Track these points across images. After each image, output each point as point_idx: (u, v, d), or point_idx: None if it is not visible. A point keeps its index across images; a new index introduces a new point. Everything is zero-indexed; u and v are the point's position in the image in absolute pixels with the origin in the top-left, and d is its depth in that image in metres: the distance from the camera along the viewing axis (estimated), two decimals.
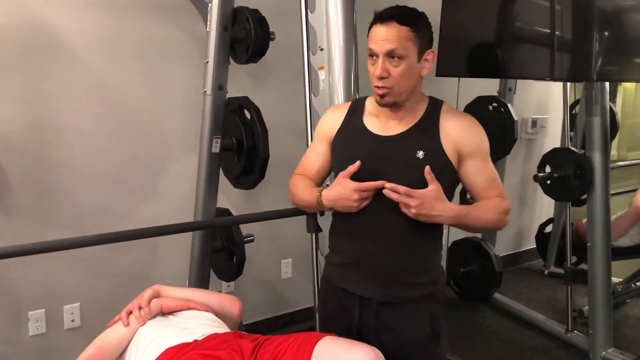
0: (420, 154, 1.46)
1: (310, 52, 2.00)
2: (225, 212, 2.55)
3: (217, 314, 1.63)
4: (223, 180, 2.52)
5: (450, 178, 1.51)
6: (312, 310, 3.29)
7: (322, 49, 1.94)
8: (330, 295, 1.65)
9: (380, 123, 1.54)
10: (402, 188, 1.40)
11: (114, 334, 1.57)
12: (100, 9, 2.47)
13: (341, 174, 1.47)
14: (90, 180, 2.53)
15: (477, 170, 1.50)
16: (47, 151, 2.43)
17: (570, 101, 3.72)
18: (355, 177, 1.48)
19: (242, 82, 2.69)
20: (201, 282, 2.54)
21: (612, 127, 3.10)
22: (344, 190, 1.46)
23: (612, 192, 2.99)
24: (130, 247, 2.60)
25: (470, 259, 3.65)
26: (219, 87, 2.35)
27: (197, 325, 1.54)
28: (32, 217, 2.41)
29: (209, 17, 2.28)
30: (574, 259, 3.43)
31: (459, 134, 1.49)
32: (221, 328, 1.55)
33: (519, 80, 3.55)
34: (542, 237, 4.14)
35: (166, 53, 2.66)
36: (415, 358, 1.57)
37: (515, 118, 3.41)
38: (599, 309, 2.96)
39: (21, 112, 2.35)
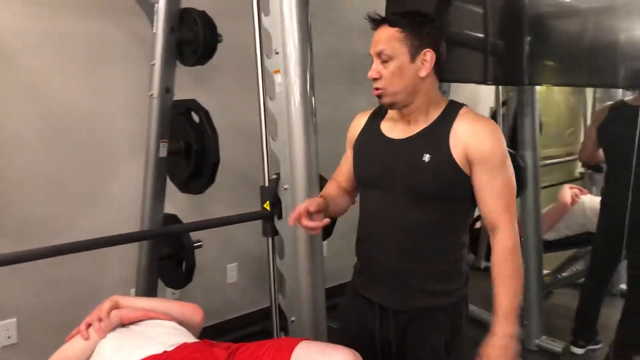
0: (427, 157, 1.42)
1: (265, 55, 1.98)
2: (173, 218, 2.48)
3: (179, 323, 1.59)
4: (168, 185, 2.45)
5: (462, 185, 1.44)
6: (258, 314, 3.30)
7: (277, 53, 1.93)
8: (353, 301, 1.62)
9: (395, 127, 1.52)
10: None
11: (72, 348, 1.49)
12: (39, 9, 2.34)
13: (311, 201, 1.46)
14: (29, 188, 2.39)
15: (485, 182, 1.41)
16: None
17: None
18: (365, 176, 1.54)
19: (187, 84, 2.62)
20: (148, 290, 2.46)
21: None
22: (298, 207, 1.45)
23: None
24: (71, 257, 2.46)
25: None
26: (166, 89, 2.29)
27: (162, 334, 1.50)
28: None
29: (155, 18, 2.22)
30: None
31: (470, 138, 1.41)
32: (188, 337, 1.52)
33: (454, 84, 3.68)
34: (472, 233, 4.32)
35: (109, 54, 2.56)
36: None
37: None
38: (532, 300, 3.14)
39: None
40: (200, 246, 2.46)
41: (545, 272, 3.70)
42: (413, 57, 1.43)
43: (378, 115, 1.60)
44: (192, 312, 1.69)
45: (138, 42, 2.60)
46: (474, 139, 1.41)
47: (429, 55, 1.43)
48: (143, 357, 1.38)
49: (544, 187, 3.35)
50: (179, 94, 2.37)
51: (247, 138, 2.99)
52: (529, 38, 2.51)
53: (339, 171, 1.70)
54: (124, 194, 2.64)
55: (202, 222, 2.27)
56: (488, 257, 4.21)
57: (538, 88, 3.27)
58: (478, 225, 4.26)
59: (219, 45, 2.32)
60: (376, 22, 1.47)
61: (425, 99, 1.47)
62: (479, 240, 4.29)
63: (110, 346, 1.46)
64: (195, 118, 2.33)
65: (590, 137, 2.98)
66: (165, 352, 1.40)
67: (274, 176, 2.01)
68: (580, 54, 2.45)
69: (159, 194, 2.39)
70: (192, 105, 2.33)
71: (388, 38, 1.43)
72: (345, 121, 4.19)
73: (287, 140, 1.94)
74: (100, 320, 1.51)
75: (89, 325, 1.51)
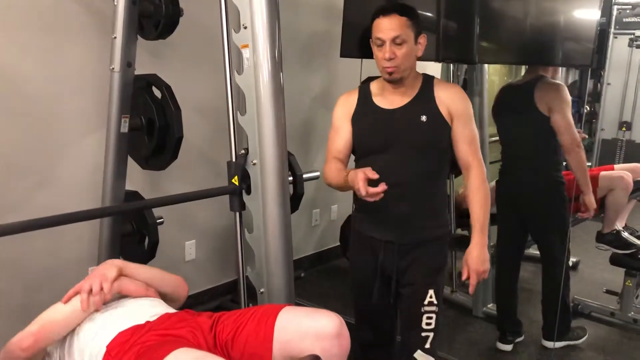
0: (424, 118, 1.82)
1: (232, 29, 1.98)
2: (135, 194, 2.45)
3: (167, 295, 1.60)
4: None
5: (448, 136, 1.86)
6: (216, 290, 3.32)
7: (245, 27, 1.93)
8: (360, 242, 2.00)
9: (386, 100, 1.89)
10: (473, 283, 1.84)
11: (62, 314, 1.44)
12: None
13: (364, 169, 1.66)
14: None
15: (460, 132, 1.85)
16: None
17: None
18: (372, 143, 1.87)
19: (145, 60, 2.57)
20: None
21: None
22: (355, 178, 1.66)
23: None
24: (26, 236, 2.39)
25: None
26: (128, 63, 2.24)
27: (143, 305, 1.51)
28: None
29: None
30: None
31: (450, 99, 1.85)
32: (169, 308, 1.54)
33: None
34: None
35: (62, 27, 2.46)
36: (423, 285, 1.91)
37: None
38: None
39: None
40: (161, 222, 2.45)
41: (491, 243, 3.91)
42: (415, 40, 1.81)
43: (366, 94, 1.92)
44: (181, 285, 1.71)
45: (92, 14, 2.52)
46: (453, 99, 1.85)
47: (423, 40, 1.84)
48: (126, 328, 1.39)
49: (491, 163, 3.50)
50: (139, 69, 2.33)
51: (206, 115, 2.98)
52: (478, 19, 2.63)
53: (335, 149, 1.96)
54: (83, 171, 2.58)
55: (169, 197, 2.26)
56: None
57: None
58: None
59: (180, 21, 2.29)
60: (387, 11, 1.78)
61: (413, 74, 1.86)
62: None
63: (99, 320, 1.45)
64: (157, 93, 2.30)
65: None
66: (147, 322, 1.42)
67: (242, 151, 2.03)
68: (523, 34, 2.60)
69: (120, 171, 2.36)
70: (153, 80, 2.30)
71: (401, 25, 1.76)
72: (298, 100, 4.26)
73: (255, 114, 1.96)
74: (101, 290, 1.47)
75: (89, 292, 1.46)
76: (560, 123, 2.61)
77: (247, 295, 2.18)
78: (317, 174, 2.38)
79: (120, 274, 1.55)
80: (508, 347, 2.95)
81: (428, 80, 1.89)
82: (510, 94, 2.87)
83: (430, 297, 1.90)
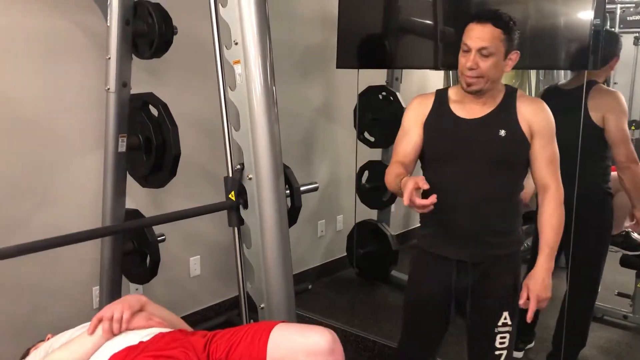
0: (502, 132, 1.73)
1: (224, 46, 1.99)
2: (135, 213, 2.46)
3: None
4: (127, 180, 2.43)
5: (527, 154, 1.77)
6: (222, 306, 3.31)
7: (236, 43, 1.94)
8: (426, 262, 1.92)
9: (464, 108, 1.80)
10: (532, 309, 1.73)
11: (82, 346, 1.42)
12: None
13: (417, 178, 1.59)
14: None
15: (540, 151, 1.75)
16: None
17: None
18: (443, 152, 1.80)
19: (143, 78, 2.59)
20: (113, 287, 2.44)
21: None
22: (405, 187, 1.58)
23: None
24: (28, 258, 2.40)
25: (368, 240, 3.82)
26: (123, 83, 2.25)
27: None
28: None
29: (109, 11, 2.18)
30: None
31: (532, 115, 1.75)
32: (162, 328, 1.53)
33: (404, 70, 3.78)
34: None
35: (59, 49, 2.49)
36: (498, 307, 1.83)
37: (404, 106, 3.63)
38: None
39: None
40: (163, 240, 2.45)
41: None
42: (505, 56, 1.71)
43: (442, 99, 1.85)
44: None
45: (88, 36, 2.55)
46: (535, 116, 1.75)
47: (515, 56, 1.74)
48: (119, 350, 1.38)
49: None
50: (135, 89, 2.34)
51: (204, 131, 3.00)
52: None
53: (401, 152, 1.88)
54: (83, 191, 2.60)
55: (168, 215, 2.25)
56: None
57: None
58: None
59: (175, 38, 2.31)
60: (482, 19, 1.68)
61: (497, 87, 1.77)
62: None
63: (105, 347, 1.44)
64: (154, 111, 2.31)
65: None
66: (141, 342, 1.41)
67: (238, 166, 2.03)
68: (523, 38, 2.57)
69: (119, 190, 2.37)
70: (149, 98, 2.30)
71: (493, 37, 1.66)
72: (298, 113, 4.26)
73: (249, 129, 1.96)
74: (120, 321, 1.47)
75: (111, 318, 1.46)
76: (615, 135, 2.37)
77: (249, 310, 2.17)
78: (316, 185, 2.37)
79: (143, 309, 1.55)
80: (518, 354, 2.91)
81: (511, 92, 1.79)
82: (556, 99, 2.56)
83: (505, 318, 1.82)
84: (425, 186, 1.53)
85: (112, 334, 1.45)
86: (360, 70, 3.15)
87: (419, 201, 1.52)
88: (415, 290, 1.99)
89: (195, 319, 3.19)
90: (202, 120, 2.92)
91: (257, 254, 2.01)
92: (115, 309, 1.49)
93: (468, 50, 1.68)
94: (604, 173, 2.53)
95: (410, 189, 1.51)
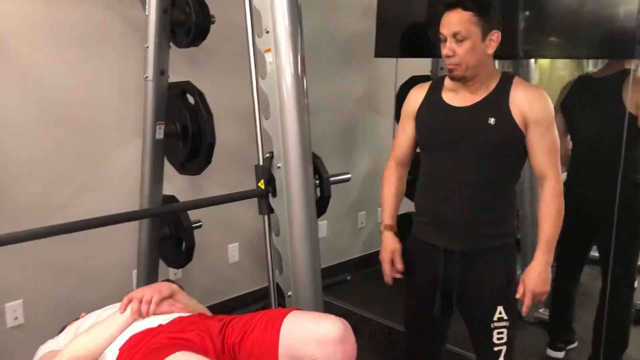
0: (492, 120, 1.68)
1: (256, 34, 2.00)
2: (172, 199, 2.52)
3: None
4: (166, 166, 2.49)
5: (521, 144, 1.71)
6: (259, 293, 3.35)
7: (267, 32, 1.94)
8: (418, 249, 1.90)
9: (457, 96, 1.77)
10: (527, 304, 1.71)
11: (85, 349, 1.44)
12: None
13: (396, 254, 1.85)
14: (25, 173, 2.42)
15: (537, 140, 1.69)
16: None
17: None
18: (434, 142, 1.79)
19: (181, 66, 2.64)
20: (150, 270, 2.51)
21: None
22: (383, 253, 1.86)
23: None
24: (73, 240, 2.49)
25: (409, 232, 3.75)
26: (161, 72, 2.31)
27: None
28: None
29: (147, 1, 2.23)
30: None
31: (526, 103, 1.68)
32: (182, 312, 1.56)
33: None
34: None
35: (99, 39, 2.57)
36: (491, 301, 1.78)
37: None
38: None
39: None
40: (199, 226, 2.49)
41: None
42: (484, 37, 1.66)
43: (436, 88, 1.83)
44: None
45: (130, 25, 2.61)
46: (530, 104, 1.68)
47: (495, 36, 1.68)
48: (139, 331, 1.42)
49: None
50: (174, 77, 2.39)
51: (242, 118, 3.01)
52: (524, 12, 2.52)
53: (398, 148, 1.93)
54: (122, 177, 2.68)
55: (199, 200, 2.30)
56: None
57: (541, 64, 3.30)
58: None
59: (213, 27, 2.34)
60: (451, 6, 1.66)
61: (487, 72, 1.72)
62: None
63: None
64: (191, 100, 2.36)
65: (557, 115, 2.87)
66: (160, 325, 1.44)
67: (268, 155, 2.04)
68: (576, 26, 2.47)
69: (157, 176, 2.43)
70: (187, 87, 2.35)
71: (463, 21, 1.64)
72: (339, 103, 4.22)
73: (279, 118, 1.96)
74: (149, 303, 1.52)
75: (140, 300, 1.51)
76: None
77: (277, 298, 2.18)
78: (348, 176, 2.34)
79: (172, 296, 1.60)
80: (559, 355, 2.81)
81: (506, 79, 1.74)
82: (588, 87, 2.58)
83: (500, 313, 1.77)
84: (399, 268, 1.81)
85: (140, 315, 1.49)
86: (402, 59, 3.10)
87: (395, 276, 1.82)
88: (408, 279, 1.96)
89: (233, 305, 3.25)
90: (239, 108, 2.93)
91: (285, 242, 2.02)
92: (146, 292, 1.54)
93: (444, 40, 1.68)
94: (636, 163, 2.46)
95: (388, 271, 1.85)
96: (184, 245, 2.46)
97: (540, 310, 3.14)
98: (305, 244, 2.00)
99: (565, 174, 2.65)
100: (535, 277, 1.69)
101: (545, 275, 1.70)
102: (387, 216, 1.92)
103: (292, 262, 2.02)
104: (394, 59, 3.02)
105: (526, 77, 3.04)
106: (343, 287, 3.74)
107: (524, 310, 1.73)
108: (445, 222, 1.78)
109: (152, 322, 1.46)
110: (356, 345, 1.32)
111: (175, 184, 2.75)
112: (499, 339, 1.78)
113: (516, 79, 1.74)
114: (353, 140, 3.82)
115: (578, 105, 2.59)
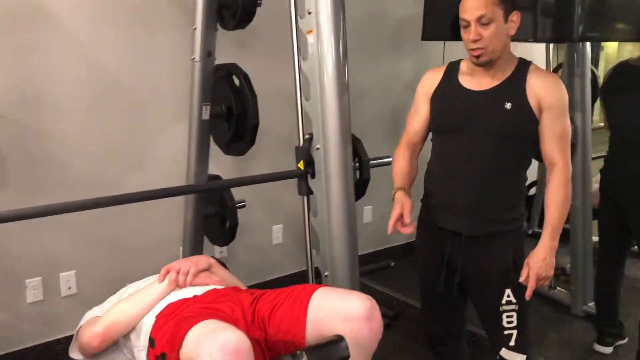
0: (508, 105, 1.70)
1: (299, 15, 2.02)
2: (216, 178, 2.58)
3: None
4: (213, 148, 2.55)
5: (534, 129, 1.73)
6: (301, 275, 3.39)
7: (310, 13, 1.95)
8: (426, 231, 1.94)
9: (473, 80, 1.78)
10: (531, 286, 1.70)
11: (125, 315, 1.53)
12: None
13: (405, 206, 1.72)
14: (79, 149, 2.55)
15: (549, 126, 1.71)
16: (36, 120, 2.44)
17: (553, 65, 3.79)
18: (448, 125, 1.80)
19: (228, 49, 2.69)
20: (195, 247, 2.59)
21: (594, 91, 3.16)
22: (394, 208, 1.75)
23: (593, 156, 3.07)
24: (123, 216, 2.64)
25: None
26: (208, 53, 2.36)
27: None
28: (23, 187, 2.43)
29: None
30: None
31: (542, 89, 1.70)
32: (217, 285, 1.61)
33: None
34: (526, 199, 4.23)
35: (151, 20, 2.66)
36: (499, 284, 1.80)
37: None
38: (580, 266, 3.08)
39: (8, 81, 2.35)
40: (243, 206, 2.54)
41: (595, 239, 3.61)
42: (505, 18, 1.67)
43: (452, 71, 1.84)
44: None
45: (178, 7, 2.69)
46: (545, 90, 1.70)
47: (516, 17, 1.69)
48: (175, 300, 1.48)
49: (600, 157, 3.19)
50: (221, 59, 2.44)
51: (288, 101, 3.05)
52: None
53: (411, 130, 1.94)
54: (169, 156, 2.77)
55: (241, 178, 2.37)
56: (540, 223, 4.16)
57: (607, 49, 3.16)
58: (532, 192, 4.20)
59: (259, 9, 2.36)
60: None
61: (506, 56, 1.73)
62: (533, 207, 4.23)
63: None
64: (236, 81, 2.40)
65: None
66: (195, 295, 1.50)
67: (307, 136, 2.06)
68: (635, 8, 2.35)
69: (202, 156, 2.50)
70: (232, 68, 2.39)
71: (487, 3, 1.63)
72: (388, 87, 4.18)
73: (318, 100, 1.98)
74: (186, 274, 1.59)
75: (178, 271, 1.58)
76: None
77: (315, 278, 2.21)
78: (389, 159, 2.33)
79: (208, 269, 1.66)
80: (607, 350, 2.73)
81: (523, 65, 1.76)
82: (626, 74, 2.57)
83: (508, 296, 1.79)
84: (407, 220, 1.68)
85: (177, 285, 1.56)
86: (449, 44, 3.04)
87: (402, 230, 1.68)
88: (419, 262, 2.02)
89: (275, 285, 3.27)
90: (284, 91, 2.96)
91: (323, 223, 2.04)
92: (183, 264, 1.61)
93: (467, 25, 1.67)
94: None
95: (394, 219, 1.69)
96: (227, 223, 2.53)
97: (590, 304, 3.05)
98: (342, 225, 2.01)
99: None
100: (540, 260, 1.70)
101: (550, 260, 1.71)
102: (398, 183, 1.88)
103: (329, 242, 2.03)
104: (443, 43, 2.96)
105: (582, 63, 2.92)
106: (387, 273, 3.74)
107: (528, 293, 1.72)
108: (453, 205, 1.80)
109: (188, 292, 1.52)
110: (382, 323, 1.33)
111: (221, 165, 2.81)
112: (508, 322, 1.80)
113: (533, 66, 1.76)
114: (401, 126, 3.77)
115: (616, 92, 2.59)
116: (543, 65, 3.71)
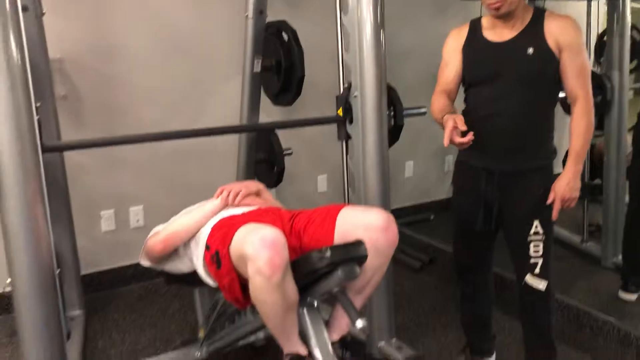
0: (530, 50, 1.83)
1: None
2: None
3: None
4: (264, 100, 2.81)
5: (556, 69, 1.86)
6: None
7: None
8: (463, 171, 2.09)
9: (496, 33, 1.92)
10: (557, 207, 1.86)
11: (183, 226, 1.82)
12: None
13: (456, 118, 1.77)
14: (148, 96, 2.88)
15: (569, 63, 1.84)
16: (111, 69, 2.78)
17: (601, 28, 3.80)
18: (480, 75, 1.93)
19: (278, 7, 2.92)
20: None
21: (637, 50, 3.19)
22: (446, 124, 1.78)
23: None
24: (185, 159, 2.96)
25: None
26: (260, 11, 2.61)
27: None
28: (98, 129, 2.77)
29: None
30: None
31: (559, 30, 1.83)
32: (263, 205, 1.89)
33: (547, 2, 3.63)
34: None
35: None
36: (528, 216, 1.93)
37: None
38: (611, 220, 3.16)
39: (88, 33, 2.68)
40: (290, 153, 2.79)
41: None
42: None
43: (475, 28, 1.98)
44: None
45: None
46: (562, 31, 1.83)
47: None
48: (228, 215, 1.77)
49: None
50: (272, 16, 2.68)
51: (331, 56, 3.26)
52: None
53: (444, 81, 2.03)
54: (226, 105, 3.04)
55: (285, 122, 2.61)
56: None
57: None
58: None
59: None
60: None
61: (522, 6, 1.86)
62: None
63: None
64: (285, 37, 2.63)
65: None
66: (243, 213, 1.78)
67: (346, 85, 2.27)
68: None
69: (254, 105, 2.77)
70: (282, 25, 2.62)
71: None
72: (432, 47, 4.27)
73: (357, 51, 2.17)
74: (237, 195, 1.87)
75: (229, 193, 1.88)
76: None
77: None
78: (424, 110, 2.52)
79: (256, 193, 1.94)
80: (632, 297, 2.84)
81: (539, 13, 1.89)
82: None
83: (536, 227, 1.92)
84: (463, 128, 1.71)
85: (228, 203, 1.84)
86: None
87: (458, 140, 1.73)
88: (455, 198, 2.17)
89: None
90: (329, 46, 3.18)
91: (358, 164, 2.26)
92: (236, 186, 1.92)
93: None
94: None
95: (450, 130, 1.72)
96: (275, 168, 2.80)
97: (619, 257, 3.16)
98: (375, 166, 2.22)
99: None
100: (565, 184, 1.85)
101: (574, 183, 1.85)
102: (442, 114, 1.91)
103: (363, 182, 2.26)
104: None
105: (621, 21, 2.96)
106: (425, 224, 3.94)
107: (554, 214, 1.88)
108: (487, 147, 1.92)
109: (238, 210, 1.80)
110: (398, 234, 1.56)
111: (270, 114, 3.07)
112: (535, 251, 1.93)
113: (548, 12, 1.88)
114: None
115: None
116: (584, 28, 3.73)
